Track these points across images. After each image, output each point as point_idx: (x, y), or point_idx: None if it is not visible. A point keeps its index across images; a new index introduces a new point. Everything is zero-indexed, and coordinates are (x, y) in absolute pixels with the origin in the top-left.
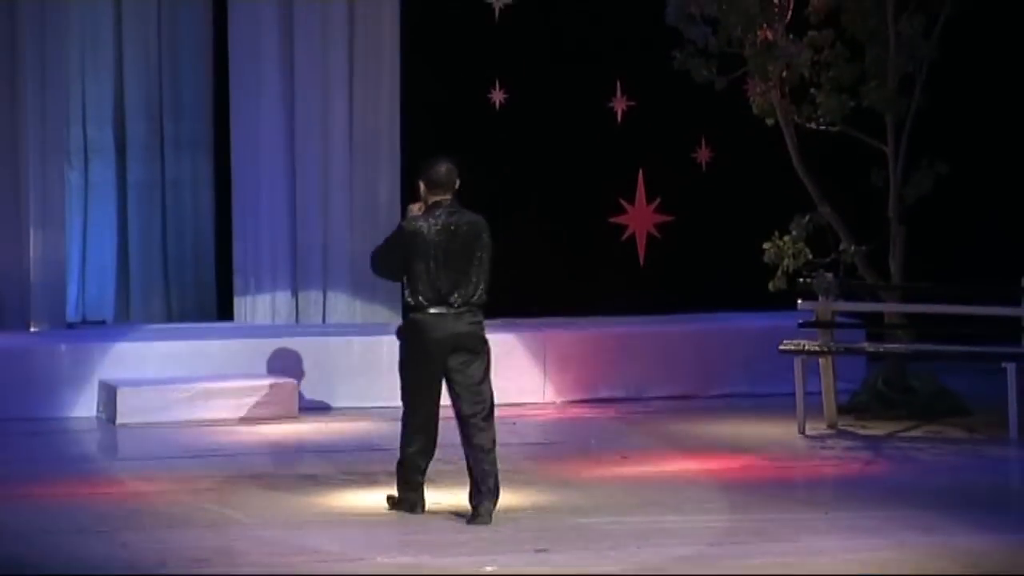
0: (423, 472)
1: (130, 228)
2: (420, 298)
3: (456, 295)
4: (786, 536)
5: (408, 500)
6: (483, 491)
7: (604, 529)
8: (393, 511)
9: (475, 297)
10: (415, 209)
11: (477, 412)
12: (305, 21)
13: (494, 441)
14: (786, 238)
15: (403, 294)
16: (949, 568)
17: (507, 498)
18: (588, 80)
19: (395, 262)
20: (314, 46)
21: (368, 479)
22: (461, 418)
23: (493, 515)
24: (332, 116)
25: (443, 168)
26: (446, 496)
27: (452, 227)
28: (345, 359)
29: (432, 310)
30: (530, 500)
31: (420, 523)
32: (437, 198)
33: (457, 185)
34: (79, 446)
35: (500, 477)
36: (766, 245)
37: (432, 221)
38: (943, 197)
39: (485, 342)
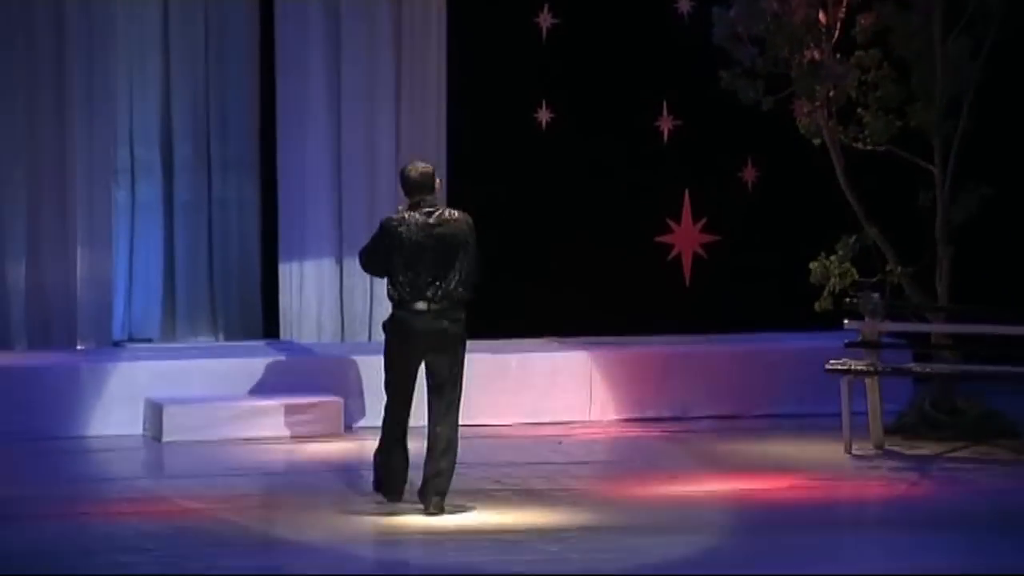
0: (396, 456)
1: (176, 247)
2: (401, 294)
3: (434, 291)
4: (833, 557)
5: (379, 480)
6: (426, 488)
7: (651, 550)
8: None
9: (455, 293)
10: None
11: (440, 408)
12: (352, 42)
13: (449, 442)
14: (832, 258)
15: (387, 290)
16: None
17: (553, 517)
18: (634, 99)
19: (378, 259)
20: (361, 66)
21: (413, 497)
22: (428, 410)
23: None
24: (378, 136)
25: (413, 171)
26: (493, 516)
27: (431, 225)
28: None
29: (413, 306)
30: (577, 519)
31: (463, 542)
32: (417, 199)
33: (437, 185)
34: (125, 464)
35: (547, 495)
36: (812, 265)
37: (411, 219)
38: (989, 219)
39: (462, 341)
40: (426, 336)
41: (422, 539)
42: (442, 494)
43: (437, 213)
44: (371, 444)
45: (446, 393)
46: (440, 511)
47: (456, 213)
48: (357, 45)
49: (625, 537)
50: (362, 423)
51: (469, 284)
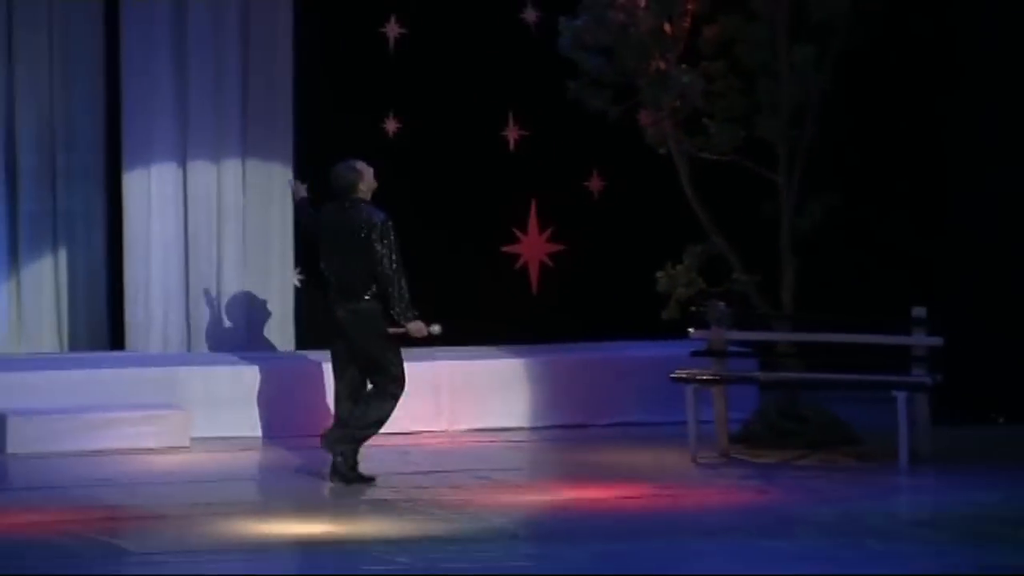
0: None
1: (21, 258)
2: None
3: (341, 282)
4: (678, 564)
5: None
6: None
7: (500, 559)
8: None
9: (359, 285)
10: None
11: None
12: (198, 51)
13: (359, 420)
14: (679, 267)
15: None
16: None
17: (401, 526)
18: (481, 109)
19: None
20: (208, 75)
21: (259, 508)
22: None
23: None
24: (225, 146)
25: (334, 173)
26: (340, 526)
27: (343, 220)
28: (237, 388)
29: (332, 294)
30: (425, 529)
31: (309, 551)
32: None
33: (358, 184)
34: None
35: (395, 505)
36: (659, 274)
37: (331, 214)
38: (835, 227)
39: (365, 328)
40: (337, 321)
41: (267, 548)
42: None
43: (352, 210)
44: (217, 456)
45: (353, 376)
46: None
47: (368, 211)
48: (204, 54)
49: (473, 546)
50: (207, 434)
51: (376, 277)
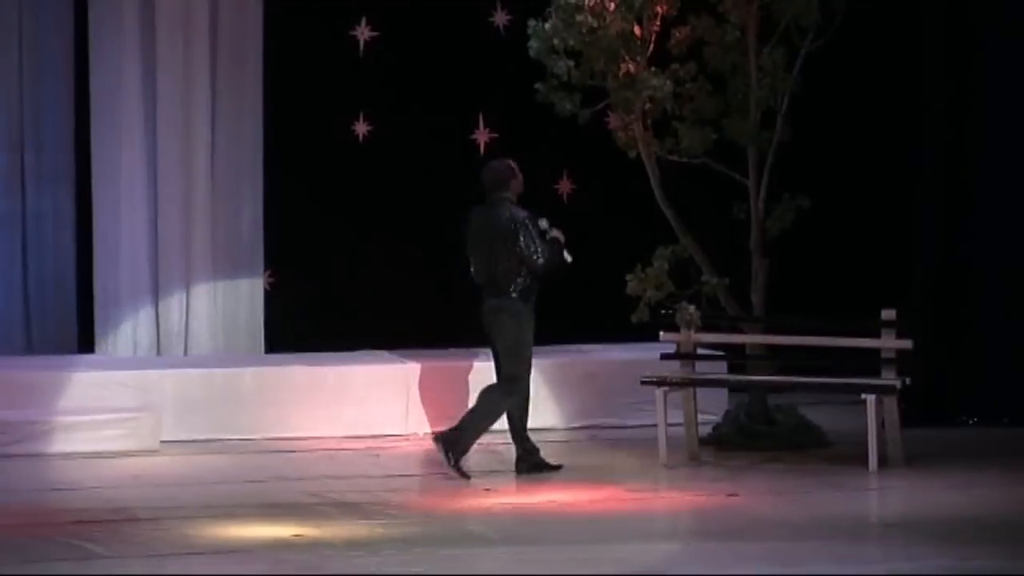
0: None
1: None
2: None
3: (487, 279)
4: (648, 567)
5: None
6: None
7: (468, 562)
8: None
9: (503, 283)
10: None
11: None
12: (167, 53)
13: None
14: (648, 270)
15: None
16: None
17: (371, 529)
18: (451, 112)
19: None
20: (176, 78)
21: (229, 512)
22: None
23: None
24: (194, 148)
25: (488, 167)
26: (310, 529)
27: (487, 219)
28: (207, 391)
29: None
30: (394, 532)
31: (279, 555)
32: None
33: (509, 181)
34: None
35: (364, 508)
36: (628, 277)
37: (477, 214)
38: (805, 230)
39: (502, 325)
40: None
41: (236, 551)
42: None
43: (488, 211)
44: (186, 459)
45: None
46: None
47: (502, 211)
48: (173, 57)
49: (442, 549)
50: (177, 437)
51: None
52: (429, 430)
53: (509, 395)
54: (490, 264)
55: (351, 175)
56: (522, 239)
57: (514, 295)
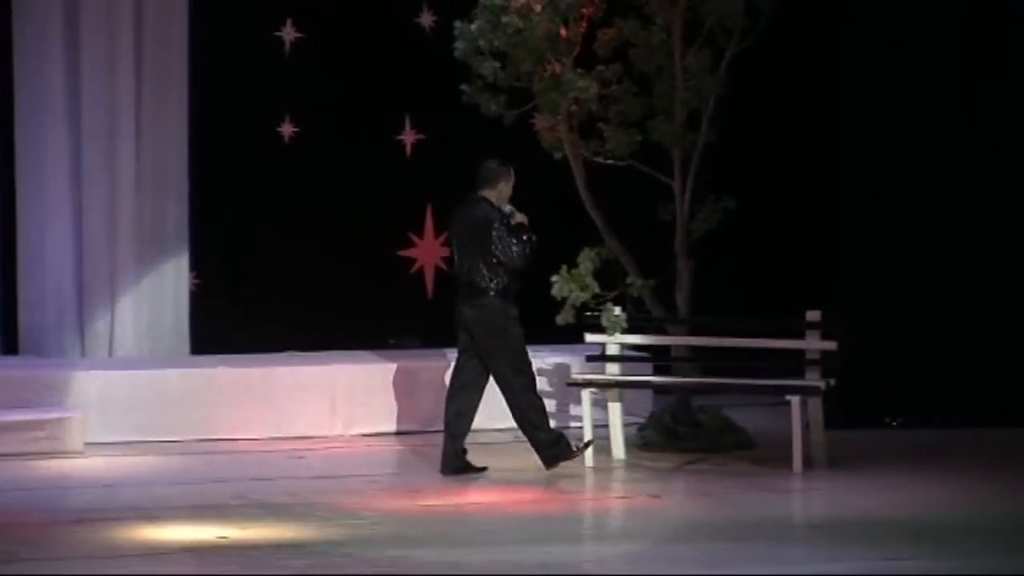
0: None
1: None
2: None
3: (466, 279)
4: (574, 568)
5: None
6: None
7: (395, 564)
8: None
9: (482, 282)
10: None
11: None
12: (92, 54)
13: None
14: (574, 272)
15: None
16: None
17: (297, 531)
18: (378, 114)
19: None
20: (101, 78)
21: (155, 514)
22: None
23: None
24: (120, 149)
25: (483, 164)
26: (236, 531)
27: (465, 218)
28: (132, 392)
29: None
30: (321, 534)
31: (204, 557)
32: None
33: (497, 182)
34: None
35: (290, 510)
36: (554, 278)
37: (456, 212)
38: (731, 231)
39: (487, 325)
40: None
41: (162, 553)
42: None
43: (469, 207)
44: (111, 461)
45: None
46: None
47: (481, 208)
48: (97, 61)
49: (368, 551)
50: (102, 439)
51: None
52: (355, 431)
53: (531, 389)
54: (464, 263)
55: (277, 176)
56: (496, 239)
57: (492, 295)
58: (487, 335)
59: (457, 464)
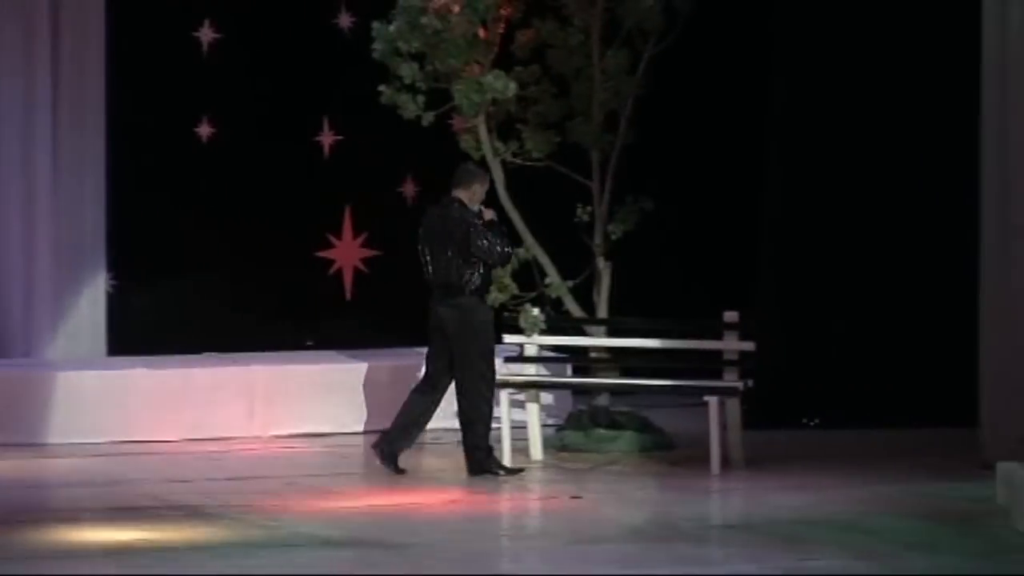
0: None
1: None
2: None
3: (441, 280)
4: (492, 568)
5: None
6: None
7: (314, 565)
8: None
9: (457, 282)
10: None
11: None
12: (8, 54)
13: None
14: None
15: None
16: None
17: (214, 533)
18: (296, 115)
19: None
20: (18, 79)
21: (72, 516)
22: None
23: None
24: (36, 150)
25: (461, 166)
26: (153, 533)
27: (438, 218)
28: (48, 394)
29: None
30: (237, 535)
31: (122, 558)
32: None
33: (471, 184)
34: None
35: (207, 511)
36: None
37: (429, 213)
38: (650, 232)
39: (463, 324)
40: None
41: (79, 556)
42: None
43: (442, 208)
44: (24, 463)
45: None
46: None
47: (456, 211)
48: (13, 61)
49: (286, 552)
50: (17, 441)
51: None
52: (273, 433)
53: (489, 397)
54: (440, 264)
55: (195, 177)
56: (474, 239)
57: (468, 294)
58: (462, 334)
59: (388, 453)
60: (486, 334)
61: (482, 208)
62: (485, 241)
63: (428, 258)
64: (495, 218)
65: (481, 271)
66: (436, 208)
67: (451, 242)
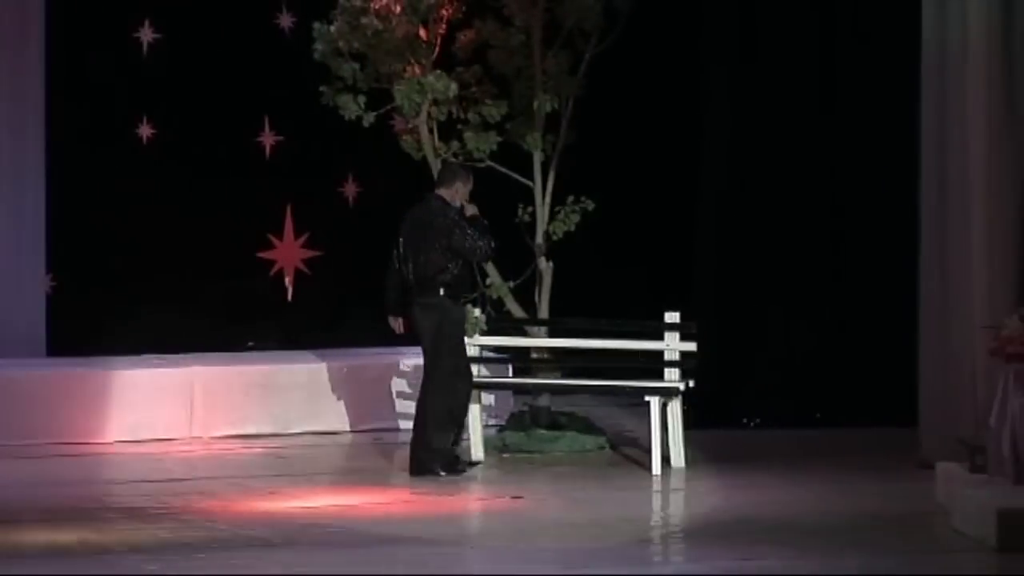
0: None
1: None
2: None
3: (417, 277)
4: (433, 568)
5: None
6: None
7: (254, 566)
8: None
9: (431, 280)
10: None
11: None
12: None
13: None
14: None
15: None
16: None
17: (155, 534)
18: (237, 115)
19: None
20: None
21: (11, 518)
22: None
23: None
24: None
25: (443, 165)
26: (93, 534)
27: (417, 215)
28: None
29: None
30: (178, 537)
31: (61, 561)
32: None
33: (452, 183)
34: None
35: (148, 513)
36: None
37: (410, 211)
38: (592, 232)
39: (434, 322)
40: None
41: (18, 557)
42: None
43: (419, 205)
44: None
45: None
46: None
47: (431, 206)
48: None
49: (227, 553)
50: None
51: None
52: (213, 434)
53: (453, 390)
54: (419, 260)
55: (135, 178)
56: (459, 235)
57: (442, 293)
58: (433, 332)
59: (445, 462)
60: (458, 333)
61: (464, 204)
62: (468, 241)
63: (406, 256)
64: (477, 212)
65: (456, 271)
66: (418, 206)
67: (431, 240)
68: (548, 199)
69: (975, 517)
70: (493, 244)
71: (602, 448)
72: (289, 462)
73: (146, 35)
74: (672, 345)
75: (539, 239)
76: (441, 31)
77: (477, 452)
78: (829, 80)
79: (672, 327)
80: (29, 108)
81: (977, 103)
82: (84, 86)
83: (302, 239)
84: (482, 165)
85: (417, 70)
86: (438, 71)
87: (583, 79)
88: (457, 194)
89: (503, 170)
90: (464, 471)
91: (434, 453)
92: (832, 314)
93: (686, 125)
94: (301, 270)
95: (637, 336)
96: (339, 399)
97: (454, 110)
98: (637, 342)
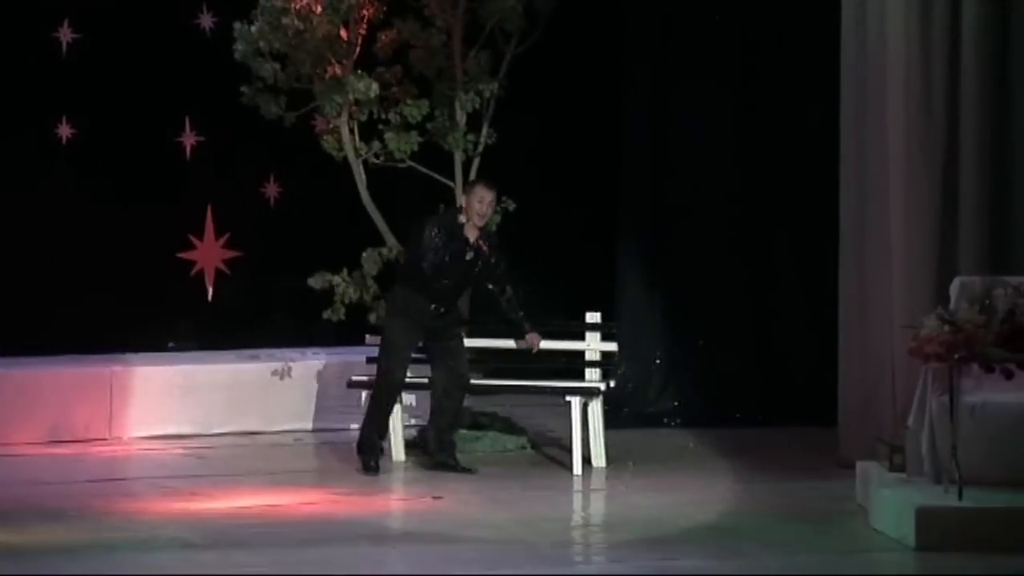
0: None
1: None
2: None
3: None
4: (354, 569)
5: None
6: None
7: (176, 567)
8: None
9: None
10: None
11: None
12: None
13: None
14: (355, 274)
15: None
16: None
17: (74, 536)
18: (157, 115)
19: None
20: None
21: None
22: None
23: None
24: None
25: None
26: (12, 536)
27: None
28: None
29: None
30: (97, 538)
31: None
32: None
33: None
34: None
35: (67, 514)
36: (335, 280)
37: None
38: (513, 233)
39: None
40: None
41: None
42: None
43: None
44: None
45: None
46: None
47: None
48: None
49: (146, 554)
50: None
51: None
52: (133, 434)
53: (379, 388)
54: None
55: (55, 178)
56: (409, 244)
57: (395, 289)
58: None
59: (439, 459)
60: (387, 329)
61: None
62: (410, 253)
63: None
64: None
65: (409, 275)
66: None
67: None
68: None
69: (894, 516)
70: (430, 270)
71: (523, 448)
72: (210, 463)
73: (65, 35)
74: (593, 345)
75: None
76: (362, 31)
77: (398, 453)
78: (751, 80)
79: (593, 327)
80: None
81: (896, 103)
82: (2, 86)
83: (223, 239)
84: (403, 165)
85: (338, 70)
86: (359, 71)
87: (504, 79)
88: (468, 208)
89: (424, 170)
90: (373, 471)
91: (360, 448)
92: (753, 314)
93: (607, 125)
94: (222, 270)
95: (558, 336)
96: (260, 400)
97: (375, 110)
98: (558, 342)
